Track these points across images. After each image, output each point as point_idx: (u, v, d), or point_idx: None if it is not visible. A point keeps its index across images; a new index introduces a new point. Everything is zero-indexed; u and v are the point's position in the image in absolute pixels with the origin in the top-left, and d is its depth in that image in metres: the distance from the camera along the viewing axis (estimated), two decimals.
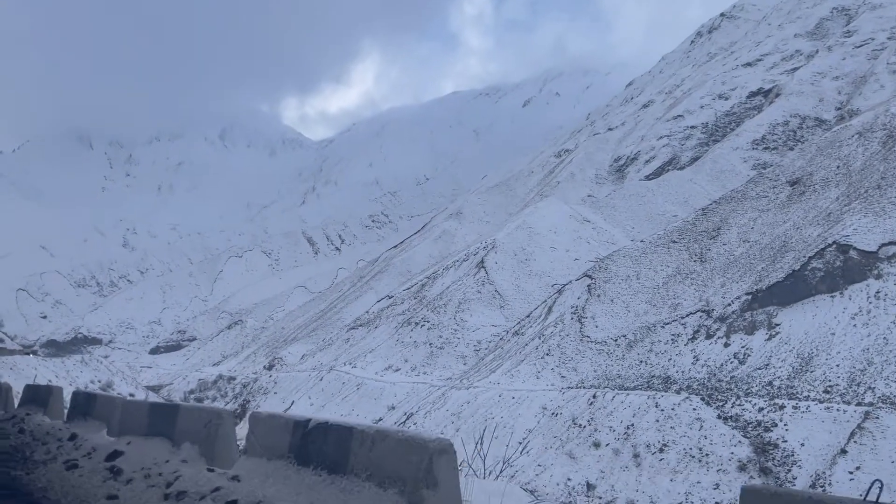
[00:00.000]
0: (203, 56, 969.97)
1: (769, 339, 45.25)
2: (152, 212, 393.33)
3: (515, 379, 58.83)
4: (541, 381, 56.99)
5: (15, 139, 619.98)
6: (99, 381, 74.71)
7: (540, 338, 63.84)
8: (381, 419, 68.21)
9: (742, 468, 33.87)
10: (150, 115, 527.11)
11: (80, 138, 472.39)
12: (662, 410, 40.99)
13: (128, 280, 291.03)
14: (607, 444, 40.96)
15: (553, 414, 48.46)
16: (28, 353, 64.46)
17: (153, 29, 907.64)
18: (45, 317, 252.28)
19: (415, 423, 59.06)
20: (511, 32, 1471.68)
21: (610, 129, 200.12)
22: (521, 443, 48.46)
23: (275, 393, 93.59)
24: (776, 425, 36.04)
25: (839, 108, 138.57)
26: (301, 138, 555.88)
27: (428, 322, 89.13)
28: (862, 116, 74.42)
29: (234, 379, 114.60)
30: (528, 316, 74.84)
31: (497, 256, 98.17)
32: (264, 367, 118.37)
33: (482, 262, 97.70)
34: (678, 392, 43.45)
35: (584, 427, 43.85)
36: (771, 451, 34.44)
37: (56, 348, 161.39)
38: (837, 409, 35.11)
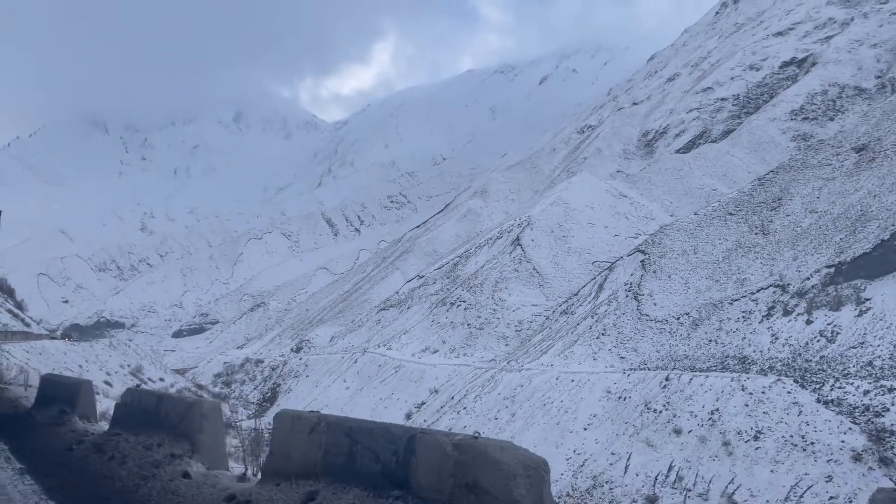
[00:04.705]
0: (216, 39, 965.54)
1: (859, 315, 41.54)
2: (169, 195, 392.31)
3: (570, 360, 55.49)
4: (598, 362, 53.63)
5: (31, 124, 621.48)
6: (128, 366, 72.10)
7: (593, 317, 60.36)
8: (423, 403, 65.15)
9: (857, 458, 30.40)
10: (164, 98, 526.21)
11: (95, 123, 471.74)
12: (751, 394, 37.51)
13: (148, 264, 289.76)
14: (690, 431, 37.59)
15: (620, 398, 45.10)
16: (63, 338, 61.86)
17: (165, 11, 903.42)
18: (66, 301, 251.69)
19: (464, 408, 55.98)
20: (531, 6, 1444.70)
21: (635, 104, 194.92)
22: (585, 429, 45.28)
23: (306, 376, 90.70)
24: (888, 410, 32.52)
25: (879, 77, 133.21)
26: (315, 120, 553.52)
27: (464, 302, 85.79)
28: None
29: (261, 362, 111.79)
30: (576, 294, 71.32)
31: (533, 233, 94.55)
32: (292, 349, 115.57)
33: (518, 239, 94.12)
34: (763, 374, 39.90)
35: (661, 412, 40.48)
36: (887, 439, 30.94)
37: (79, 332, 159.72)
38: None
